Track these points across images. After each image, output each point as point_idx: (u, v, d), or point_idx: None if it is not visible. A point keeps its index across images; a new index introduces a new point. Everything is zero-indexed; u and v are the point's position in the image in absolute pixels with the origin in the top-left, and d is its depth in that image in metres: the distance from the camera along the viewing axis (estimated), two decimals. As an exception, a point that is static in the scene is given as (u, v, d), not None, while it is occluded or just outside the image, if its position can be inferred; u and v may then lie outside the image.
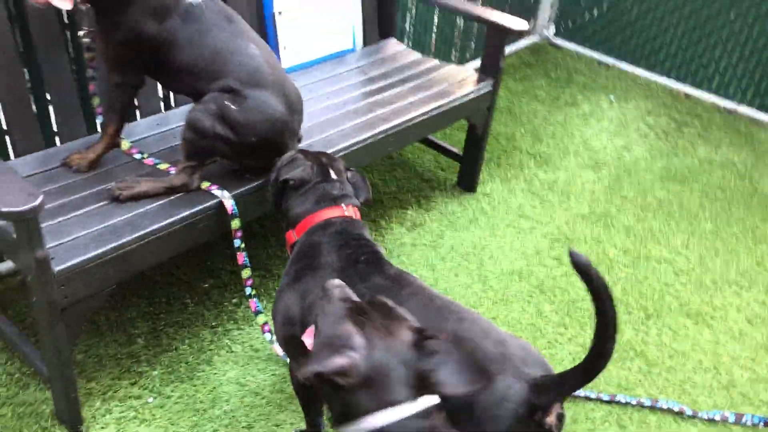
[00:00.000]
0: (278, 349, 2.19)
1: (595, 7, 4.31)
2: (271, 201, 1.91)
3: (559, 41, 4.52)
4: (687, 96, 4.12)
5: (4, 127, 2.07)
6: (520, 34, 4.41)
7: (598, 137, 3.63)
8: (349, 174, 1.91)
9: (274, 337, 2.19)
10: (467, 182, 3.08)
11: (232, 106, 1.92)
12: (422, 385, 1.17)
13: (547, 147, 3.49)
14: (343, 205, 1.80)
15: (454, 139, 3.30)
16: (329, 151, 2.17)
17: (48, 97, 2.16)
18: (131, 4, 1.86)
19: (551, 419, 1.44)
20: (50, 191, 1.92)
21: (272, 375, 2.16)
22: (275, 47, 2.59)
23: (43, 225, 1.62)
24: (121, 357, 2.17)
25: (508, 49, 4.35)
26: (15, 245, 1.68)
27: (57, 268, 1.67)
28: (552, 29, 4.55)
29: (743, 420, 2.18)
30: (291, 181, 1.80)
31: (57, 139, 2.20)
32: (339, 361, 1.14)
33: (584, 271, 1.32)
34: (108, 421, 1.98)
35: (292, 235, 1.81)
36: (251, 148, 1.97)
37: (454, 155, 3.11)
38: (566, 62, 4.37)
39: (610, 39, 4.32)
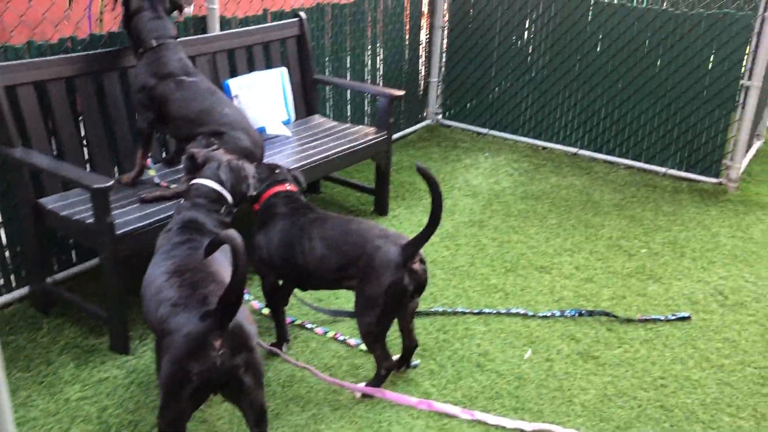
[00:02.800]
0: (255, 305, 3.25)
1: (469, 96, 5.76)
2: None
3: (447, 122, 5.94)
4: (544, 148, 5.52)
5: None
6: (419, 117, 5.83)
7: (476, 178, 4.93)
8: (290, 171, 3.07)
9: (251, 296, 3.27)
10: (380, 208, 4.29)
11: (215, 141, 3.11)
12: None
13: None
14: (285, 184, 2.94)
15: (366, 181, 4.53)
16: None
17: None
18: (143, 66, 3.09)
19: (417, 265, 2.56)
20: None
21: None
22: (235, 120, 3.83)
23: (109, 205, 2.73)
24: (147, 319, 3.19)
25: (410, 130, 5.73)
26: (90, 227, 2.77)
27: (118, 232, 2.77)
28: (440, 115, 5.98)
29: (565, 313, 3.32)
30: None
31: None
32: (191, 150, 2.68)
33: (423, 172, 2.48)
34: (146, 350, 2.98)
35: (257, 206, 2.92)
36: None
37: (369, 190, 4.34)
38: (453, 135, 5.77)
39: (482, 115, 5.76)
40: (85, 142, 3.29)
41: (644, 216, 4.43)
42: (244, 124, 3.22)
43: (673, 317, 3.31)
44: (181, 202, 2.56)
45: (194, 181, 2.57)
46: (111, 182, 2.66)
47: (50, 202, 3.03)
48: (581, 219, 4.37)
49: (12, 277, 3.27)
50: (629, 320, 3.30)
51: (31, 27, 4.34)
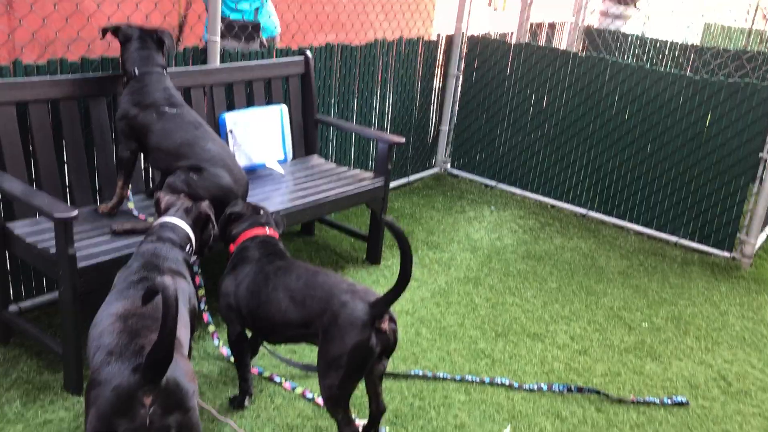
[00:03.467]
0: (224, 351, 3.07)
1: (479, 147, 5.62)
2: (219, 231, 2.89)
3: (455, 171, 5.79)
4: (552, 206, 5.34)
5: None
6: (427, 165, 5.69)
7: (478, 232, 4.75)
8: (273, 215, 2.93)
9: (221, 342, 3.10)
10: (372, 257, 4.11)
11: (194, 176, 2.98)
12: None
13: (437, 238, 4.58)
14: (266, 228, 2.80)
15: (364, 228, 4.37)
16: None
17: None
18: (125, 94, 2.99)
19: (385, 325, 2.37)
20: (81, 228, 2.90)
21: (218, 367, 3.03)
22: (228, 154, 3.71)
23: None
24: (109, 357, 3.02)
25: (415, 176, 5.58)
26: (53, 257, 2.63)
27: (80, 265, 2.62)
28: (448, 164, 5.83)
29: (553, 388, 3.09)
30: (233, 214, 2.80)
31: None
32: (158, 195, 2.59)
33: (390, 226, 2.31)
34: (100, 391, 2.80)
35: (233, 247, 2.78)
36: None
37: (363, 237, 4.17)
38: (460, 186, 5.61)
39: (492, 167, 5.60)
40: (66, 167, 3.18)
41: (649, 287, 4.21)
42: (226, 160, 3.09)
43: (670, 401, 3.07)
44: (144, 239, 2.42)
45: (160, 220, 2.46)
46: (74, 212, 2.52)
47: (19, 226, 2.90)
48: (583, 285, 4.15)
49: (-25, 301, 3.13)
50: (621, 401, 3.07)
51: (43, 45, 4.29)
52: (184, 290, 2.28)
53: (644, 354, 3.47)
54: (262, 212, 2.85)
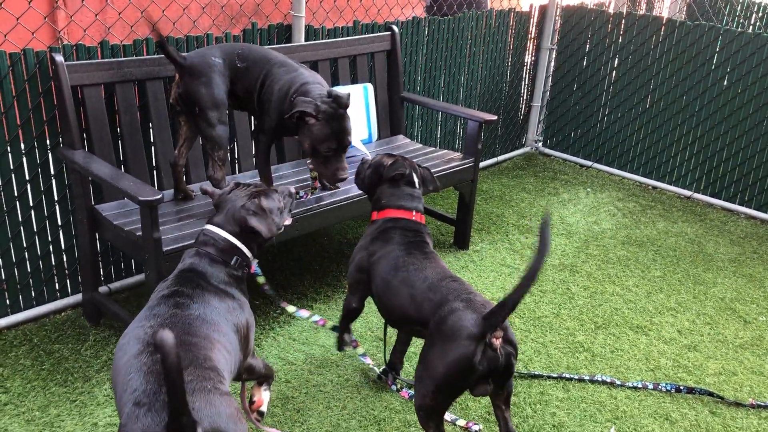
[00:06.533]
0: (299, 311, 2.80)
1: (573, 124, 5.31)
2: (365, 183, 2.68)
3: (547, 150, 5.50)
4: (654, 188, 4.99)
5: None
6: (517, 144, 5.43)
7: (573, 216, 4.48)
8: (421, 170, 2.68)
9: (311, 315, 2.90)
10: (460, 242, 3.93)
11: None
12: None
13: (529, 221, 4.35)
14: (413, 211, 2.58)
15: (451, 211, 4.19)
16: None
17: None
18: None
19: (497, 341, 2.10)
20: (167, 210, 2.86)
21: (303, 354, 2.94)
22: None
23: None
24: (195, 341, 2.99)
25: (504, 156, 5.34)
26: (139, 239, 2.60)
27: (165, 248, 2.57)
28: (540, 143, 5.55)
29: (659, 387, 2.84)
30: (398, 174, 2.56)
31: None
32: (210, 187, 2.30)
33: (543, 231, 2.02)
34: (186, 376, 2.76)
35: (375, 215, 2.59)
36: None
37: (450, 220, 3.99)
38: (552, 166, 5.32)
39: (587, 146, 5.28)
40: (153, 149, 3.15)
41: (765, 276, 3.84)
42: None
43: (795, 407, 2.77)
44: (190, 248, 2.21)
45: (206, 226, 2.21)
46: (160, 195, 2.46)
47: (107, 209, 2.89)
48: (690, 273, 3.83)
49: (68, 282, 3.16)
50: (739, 404, 2.79)
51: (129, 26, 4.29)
52: (228, 311, 2.03)
53: (763, 351, 3.15)
54: (416, 179, 2.61)
